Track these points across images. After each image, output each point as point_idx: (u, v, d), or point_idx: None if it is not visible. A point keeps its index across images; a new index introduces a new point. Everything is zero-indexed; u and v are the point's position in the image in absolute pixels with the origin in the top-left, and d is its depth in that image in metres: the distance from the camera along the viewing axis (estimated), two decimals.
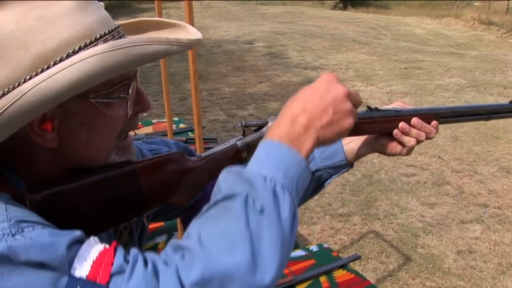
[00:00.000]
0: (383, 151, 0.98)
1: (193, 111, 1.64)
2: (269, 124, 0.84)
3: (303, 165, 0.68)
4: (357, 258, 2.14)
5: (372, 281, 3.25)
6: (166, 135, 2.92)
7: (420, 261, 3.51)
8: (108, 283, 0.58)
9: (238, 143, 0.84)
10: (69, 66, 0.61)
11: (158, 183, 0.77)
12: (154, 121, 3.77)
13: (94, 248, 0.61)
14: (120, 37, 0.70)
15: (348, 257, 2.08)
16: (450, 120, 1.03)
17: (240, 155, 0.84)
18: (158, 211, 0.97)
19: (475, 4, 19.88)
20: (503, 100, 6.78)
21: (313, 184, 1.03)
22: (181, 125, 3.60)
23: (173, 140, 1.02)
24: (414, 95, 7.66)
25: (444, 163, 5.17)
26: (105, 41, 0.67)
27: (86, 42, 0.65)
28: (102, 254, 0.60)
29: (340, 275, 1.95)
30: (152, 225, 2.34)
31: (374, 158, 5.23)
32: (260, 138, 0.81)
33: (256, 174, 0.64)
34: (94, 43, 0.66)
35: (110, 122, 0.72)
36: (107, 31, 0.68)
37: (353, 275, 1.96)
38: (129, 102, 0.72)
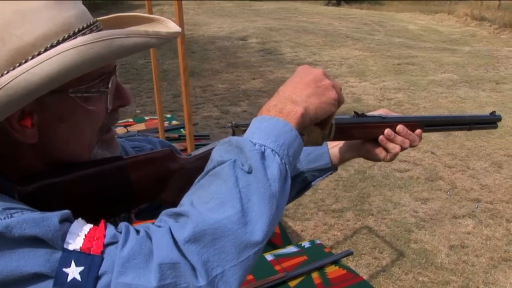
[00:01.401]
0: (367, 156, 1.01)
1: (184, 107, 1.63)
2: None
3: (294, 133, 0.70)
4: (349, 254, 2.14)
5: (365, 277, 3.27)
6: (158, 132, 2.91)
7: (413, 256, 3.53)
8: (102, 252, 0.59)
9: None
10: (48, 59, 0.61)
11: (148, 179, 0.77)
12: (146, 118, 3.76)
13: (84, 226, 0.62)
14: (98, 32, 0.69)
15: (340, 253, 2.08)
16: (434, 129, 1.07)
17: None
18: (142, 208, 0.97)
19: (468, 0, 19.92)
20: (496, 96, 6.84)
21: (298, 185, 1.05)
22: (174, 122, 3.60)
23: (158, 138, 1.01)
24: (407, 91, 7.67)
25: (437, 159, 5.19)
26: (83, 35, 0.66)
27: (64, 36, 0.65)
28: (93, 230, 0.61)
29: (332, 271, 1.96)
30: (144, 222, 2.34)
31: None
32: None
33: (246, 141, 0.67)
34: (73, 37, 0.65)
35: (91, 116, 0.71)
36: (85, 25, 0.68)
37: (345, 271, 1.96)
38: (109, 96, 0.72)
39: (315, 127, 0.89)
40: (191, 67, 8.74)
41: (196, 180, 0.68)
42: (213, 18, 14.73)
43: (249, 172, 0.64)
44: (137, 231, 0.61)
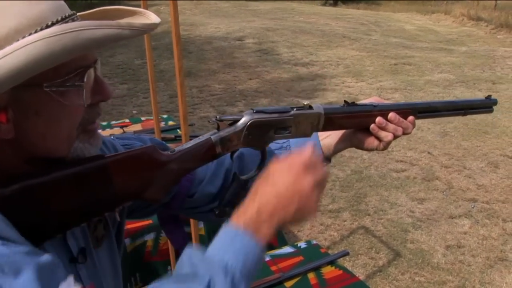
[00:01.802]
0: (360, 146, 0.99)
1: (179, 108, 1.63)
2: (245, 117, 0.84)
3: (261, 254, 0.73)
4: (345, 254, 2.14)
5: (362, 277, 3.27)
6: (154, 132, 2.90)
7: (410, 256, 3.53)
8: None
9: (212, 137, 0.83)
10: (14, 51, 0.59)
11: (131, 177, 0.76)
12: (143, 118, 3.75)
13: None
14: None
15: (336, 254, 2.08)
16: (427, 115, 1.04)
17: (214, 150, 0.83)
18: (133, 207, 0.96)
19: (464, 0, 19.96)
20: (492, 96, 6.84)
21: None
22: (170, 122, 3.59)
23: (149, 136, 1.00)
24: (403, 91, 7.68)
25: (433, 159, 5.20)
26: None
27: (37, 29, 0.63)
28: None
29: (328, 271, 1.96)
30: (140, 223, 2.33)
31: (364, 154, 5.24)
32: (234, 133, 0.83)
33: (219, 261, 0.69)
34: (45, 30, 0.64)
35: (67, 111, 0.70)
36: (59, 18, 0.66)
37: (341, 271, 1.96)
38: (85, 90, 0.70)
39: (304, 119, 0.88)
40: (188, 68, 8.74)
41: (167, 277, 0.69)
42: (210, 19, 14.72)
43: None
44: None
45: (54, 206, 0.69)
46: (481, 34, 13.34)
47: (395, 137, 0.96)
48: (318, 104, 0.92)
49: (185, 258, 0.70)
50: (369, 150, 0.98)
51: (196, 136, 0.87)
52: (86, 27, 0.63)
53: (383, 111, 0.96)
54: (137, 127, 3.46)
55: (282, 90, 7.73)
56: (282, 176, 0.76)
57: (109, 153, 0.86)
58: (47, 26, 0.64)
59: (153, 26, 0.73)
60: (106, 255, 0.88)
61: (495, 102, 1.16)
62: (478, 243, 3.70)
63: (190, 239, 1.98)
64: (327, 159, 1.02)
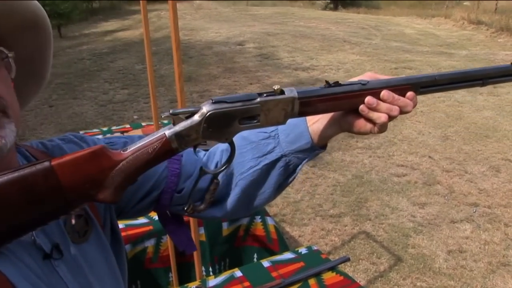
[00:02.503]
0: (351, 130, 0.88)
1: None
2: (203, 109, 0.77)
3: None
4: (346, 260, 2.12)
5: (363, 282, 3.26)
6: None
7: (411, 261, 3.52)
8: None
9: (166, 132, 0.77)
10: None
11: (79, 179, 0.73)
12: (143, 123, 3.74)
13: None
14: None
15: (337, 259, 2.07)
16: (434, 89, 0.89)
17: (169, 145, 0.77)
18: (120, 208, 0.94)
19: (465, 3, 20.01)
20: (493, 100, 6.83)
21: (282, 172, 0.93)
22: None
23: (138, 135, 0.98)
24: None
25: (435, 163, 5.19)
26: None
27: None
28: None
29: (329, 277, 1.94)
30: (141, 229, 2.33)
31: (364, 158, 5.24)
32: (191, 127, 0.77)
33: None
34: None
35: None
36: None
37: (342, 277, 1.95)
38: None
39: (274, 106, 0.80)
40: (189, 72, 8.75)
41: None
42: (210, 23, 14.75)
43: None
44: None
45: (1, 212, 0.66)
46: (481, 37, 13.35)
47: (391, 117, 0.83)
48: (292, 87, 0.81)
49: None
50: (362, 133, 0.86)
51: None
52: None
53: (374, 89, 0.83)
54: (138, 132, 3.45)
55: None
56: None
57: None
58: None
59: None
60: (94, 249, 0.86)
61: None
62: (480, 248, 3.69)
63: None
64: (320, 146, 0.93)
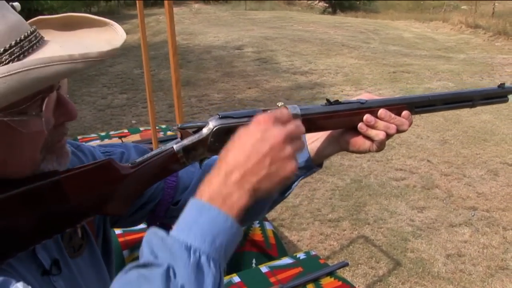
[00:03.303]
0: (349, 149, 0.90)
1: (176, 120, 1.62)
2: (210, 124, 0.78)
3: (234, 228, 0.64)
4: (345, 265, 2.12)
5: (362, 287, 3.26)
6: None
7: (410, 266, 3.51)
8: None
9: (175, 146, 0.79)
10: None
11: (88, 192, 0.73)
12: (141, 128, 3.74)
13: None
14: (31, 47, 0.64)
15: (335, 264, 2.06)
16: (427, 110, 0.94)
17: (177, 159, 0.79)
18: (116, 217, 0.94)
19: (462, 7, 20.08)
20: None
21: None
22: (169, 133, 3.58)
23: (133, 143, 0.98)
24: None
25: (433, 167, 5.19)
26: (11, 54, 0.61)
27: None
28: None
29: (327, 282, 1.94)
30: (139, 235, 2.32)
31: (363, 162, 5.23)
32: (199, 141, 0.78)
33: (180, 244, 0.60)
34: None
35: (28, 138, 0.66)
36: (13, 43, 0.62)
37: (340, 282, 1.95)
38: (44, 118, 0.66)
39: None
40: (187, 77, 8.75)
41: (125, 268, 0.61)
42: (209, 28, 14.77)
43: (182, 287, 0.58)
44: None
45: (7, 226, 0.66)
46: (479, 41, 13.39)
47: (388, 135, 0.86)
48: (295, 104, 0.83)
49: (144, 245, 0.62)
50: (361, 152, 0.89)
51: None
52: (32, 67, 0.58)
53: (372, 108, 0.86)
54: (136, 137, 3.45)
55: (281, 99, 7.73)
56: (249, 135, 0.68)
57: (87, 162, 0.84)
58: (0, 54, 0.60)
59: (113, 52, 0.66)
60: (88, 264, 0.86)
61: (510, 91, 1.01)
62: (478, 251, 3.69)
63: None
64: (318, 164, 0.96)
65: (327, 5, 23.50)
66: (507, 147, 5.71)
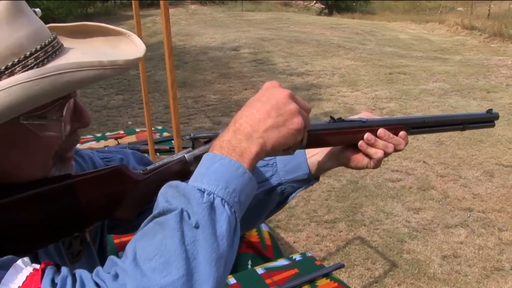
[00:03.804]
0: (348, 164, 0.94)
1: (172, 121, 1.62)
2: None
3: (247, 176, 0.66)
4: (340, 266, 2.12)
5: None
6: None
7: (406, 267, 3.52)
8: None
9: (186, 155, 0.81)
10: None
11: (99, 197, 0.74)
12: (137, 130, 3.73)
13: (20, 274, 0.57)
14: (54, 52, 0.66)
15: (331, 266, 2.06)
16: (422, 131, 0.99)
17: (188, 168, 0.81)
18: (115, 223, 0.94)
19: (458, 9, 20.15)
20: (486, 105, 6.89)
21: (277, 198, 0.98)
22: (165, 134, 3.57)
23: (131, 150, 0.99)
24: (399, 100, 7.70)
25: (429, 168, 5.20)
26: (36, 58, 0.62)
27: (14, 61, 0.61)
28: (29, 279, 0.57)
29: (323, 284, 1.94)
30: (130, 237, 2.32)
31: None
32: None
33: (193, 188, 0.62)
34: (23, 62, 0.61)
35: (44, 142, 0.68)
36: (39, 47, 0.63)
37: (336, 284, 1.94)
38: (63, 124, 0.68)
39: None
40: (183, 78, 8.75)
41: (143, 223, 0.63)
42: (205, 29, 14.77)
43: (196, 227, 0.59)
44: (74, 283, 0.57)
45: (18, 227, 0.67)
46: (475, 43, 13.43)
47: (386, 154, 0.90)
48: None
49: (159, 197, 0.64)
50: (359, 168, 0.93)
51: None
52: (65, 70, 0.60)
53: (372, 127, 0.91)
54: (132, 138, 3.44)
55: None
56: (255, 97, 0.73)
57: (87, 168, 0.85)
58: (26, 57, 0.62)
59: (136, 61, 0.69)
60: (84, 269, 0.86)
61: (496, 117, 1.08)
62: (474, 252, 3.69)
63: None
64: (315, 177, 0.98)
65: (323, 6, 23.53)
66: (502, 148, 5.73)
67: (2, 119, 0.58)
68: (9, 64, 0.60)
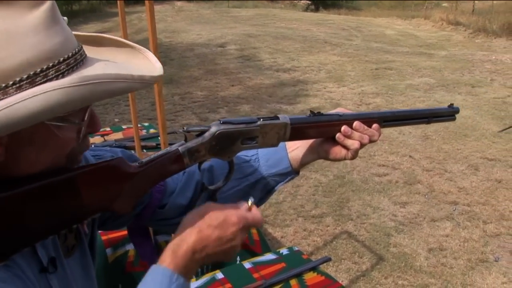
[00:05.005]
0: (328, 157, 1.00)
1: (158, 118, 1.62)
2: (212, 128, 0.86)
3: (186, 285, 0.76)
4: (327, 260, 2.13)
5: (345, 282, 3.28)
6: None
7: (393, 260, 3.55)
8: None
9: (179, 148, 0.84)
10: (33, 96, 0.59)
11: (98, 189, 0.76)
12: (124, 126, 3.72)
13: None
14: (81, 60, 0.68)
15: (318, 260, 2.08)
16: (393, 124, 1.07)
17: (181, 161, 0.84)
18: (104, 218, 0.96)
19: (443, 5, 20.30)
20: (471, 99, 6.94)
21: (260, 191, 1.04)
22: (152, 130, 3.56)
23: (120, 149, 1.00)
24: (385, 95, 7.75)
25: (415, 162, 5.25)
26: (68, 65, 0.65)
27: (49, 65, 0.63)
28: None
29: (310, 277, 1.95)
30: (122, 233, 2.31)
31: None
32: (202, 144, 0.85)
33: None
34: (57, 66, 0.64)
35: (61, 143, 0.71)
36: (70, 54, 0.66)
37: (323, 277, 1.96)
38: (83, 128, 0.72)
39: (270, 129, 0.90)
40: (170, 75, 8.71)
41: None
42: (192, 25, 14.71)
43: None
44: None
45: (19, 220, 0.68)
46: (460, 38, 13.55)
47: (362, 145, 0.98)
48: (285, 115, 0.93)
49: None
50: (337, 160, 1.00)
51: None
52: (104, 79, 0.64)
53: (348, 120, 0.97)
54: (118, 135, 3.43)
55: (264, 96, 7.75)
56: (204, 220, 0.80)
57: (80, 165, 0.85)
58: (59, 62, 0.64)
59: (159, 78, 0.74)
60: (77, 263, 0.88)
61: (457, 111, 1.17)
62: (459, 245, 3.74)
63: (159, 251, 1.97)
64: (296, 171, 1.03)
65: (309, 2, 23.56)
66: (487, 142, 5.80)
67: (41, 119, 0.61)
68: (44, 67, 0.63)
